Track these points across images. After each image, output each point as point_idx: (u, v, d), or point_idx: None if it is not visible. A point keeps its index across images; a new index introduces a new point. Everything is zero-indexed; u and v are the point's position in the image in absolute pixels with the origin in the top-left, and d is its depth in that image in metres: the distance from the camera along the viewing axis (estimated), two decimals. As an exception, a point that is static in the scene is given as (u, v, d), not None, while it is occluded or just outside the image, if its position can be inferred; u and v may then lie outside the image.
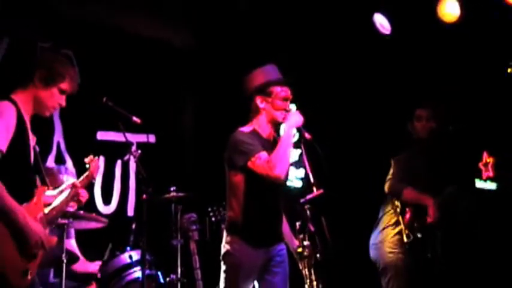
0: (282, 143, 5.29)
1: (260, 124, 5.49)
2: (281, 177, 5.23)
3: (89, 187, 5.39)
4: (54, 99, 4.72)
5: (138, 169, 5.88)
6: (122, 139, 5.74)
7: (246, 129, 5.49)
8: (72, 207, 5.27)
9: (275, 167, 5.18)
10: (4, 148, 4.39)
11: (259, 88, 5.46)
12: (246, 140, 5.34)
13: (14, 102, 4.58)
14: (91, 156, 5.33)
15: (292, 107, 5.58)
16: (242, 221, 5.41)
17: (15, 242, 4.41)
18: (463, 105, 7.43)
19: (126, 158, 5.86)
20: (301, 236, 5.73)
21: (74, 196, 4.95)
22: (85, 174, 5.20)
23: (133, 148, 5.82)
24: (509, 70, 6.85)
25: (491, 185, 6.69)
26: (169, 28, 8.77)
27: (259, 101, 5.45)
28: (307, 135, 5.34)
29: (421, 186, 6.65)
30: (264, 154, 5.25)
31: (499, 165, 6.52)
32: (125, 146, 5.79)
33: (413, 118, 6.87)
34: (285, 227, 5.76)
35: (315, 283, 5.68)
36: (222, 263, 5.47)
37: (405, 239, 6.59)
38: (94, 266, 6.84)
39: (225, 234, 5.52)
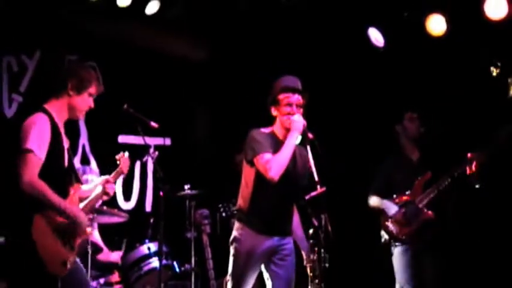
0: (283, 149, 5.34)
1: (277, 128, 5.55)
2: (275, 179, 5.25)
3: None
4: (86, 103, 4.84)
5: (156, 169, 5.93)
6: (141, 142, 5.76)
7: (266, 130, 5.57)
8: (104, 199, 5.35)
9: (271, 170, 5.24)
10: (43, 157, 4.51)
11: (271, 100, 5.55)
12: (258, 138, 5.42)
13: (47, 112, 4.69)
14: (121, 153, 5.42)
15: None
16: (249, 209, 5.47)
17: (57, 236, 4.57)
18: (448, 110, 7.43)
19: (144, 159, 5.89)
20: (311, 241, 5.66)
21: (106, 192, 5.01)
22: (116, 170, 5.23)
23: (151, 150, 5.84)
24: (494, 73, 6.89)
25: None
26: (185, 44, 8.85)
27: (272, 110, 5.55)
28: (310, 135, 5.36)
29: (409, 187, 6.68)
30: (267, 155, 5.31)
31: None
32: (144, 148, 5.82)
33: (404, 120, 6.87)
34: (298, 227, 5.77)
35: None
36: (230, 247, 5.51)
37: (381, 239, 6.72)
38: (115, 256, 6.94)
39: (235, 223, 5.57)
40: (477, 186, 6.43)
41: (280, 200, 5.50)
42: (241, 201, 5.56)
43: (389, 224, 6.66)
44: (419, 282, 6.60)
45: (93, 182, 5.09)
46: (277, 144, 5.44)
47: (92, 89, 4.86)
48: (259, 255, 5.46)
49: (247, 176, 5.51)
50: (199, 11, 8.23)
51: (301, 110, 5.51)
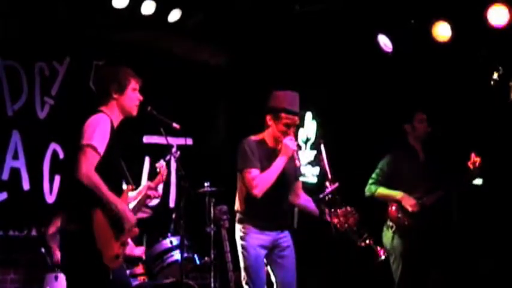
0: (270, 171, 5.37)
1: (268, 136, 5.55)
2: (258, 196, 5.31)
3: (138, 183, 5.41)
4: (133, 98, 4.78)
5: (178, 167, 5.99)
6: (164, 142, 5.79)
7: (256, 137, 5.57)
8: (148, 203, 5.31)
9: (256, 187, 5.31)
10: (101, 154, 4.48)
11: (271, 109, 5.50)
12: (248, 151, 5.43)
13: (107, 114, 4.67)
14: (161, 162, 5.40)
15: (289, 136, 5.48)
16: (246, 211, 5.51)
17: (113, 230, 4.54)
18: (453, 112, 7.45)
19: (167, 158, 5.86)
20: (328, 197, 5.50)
21: (148, 195, 5.01)
22: (157, 178, 5.27)
23: (174, 150, 5.85)
24: (493, 81, 6.89)
25: (478, 181, 6.67)
26: (205, 50, 8.91)
27: (268, 119, 5.51)
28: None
29: (413, 183, 6.61)
30: (255, 171, 5.36)
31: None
32: (167, 148, 5.84)
33: (414, 120, 6.81)
34: (307, 200, 5.73)
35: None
36: (238, 246, 5.54)
37: (390, 231, 6.62)
38: (139, 251, 6.94)
39: (236, 226, 5.60)
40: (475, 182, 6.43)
41: (274, 201, 5.48)
42: (238, 204, 5.60)
43: (400, 215, 6.58)
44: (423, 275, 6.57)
45: (138, 189, 5.05)
46: (266, 152, 5.48)
47: (133, 84, 4.79)
48: (264, 248, 5.48)
49: (240, 182, 5.53)
50: (218, 19, 8.26)
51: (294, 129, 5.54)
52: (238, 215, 5.61)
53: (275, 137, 5.49)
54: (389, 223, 6.65)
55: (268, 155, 5.46)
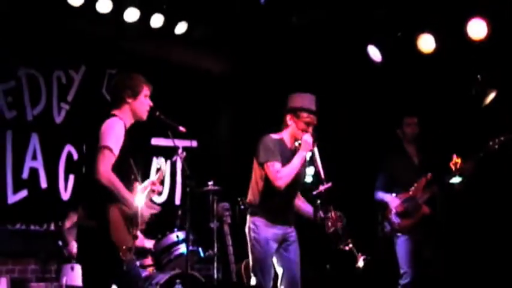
0: (292, 164, 5.49)
1: (287, 136, 5.67)
2: (281, 188, 5.43)
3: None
4: (144, 104, 4.93)
5: (183, 168, 6.16)
6: (171, 144, 5.80)
7: (276, 136, 5.66)
8: (151, 196, 5.49)
9: (280, 179, 5.44)
10: (117, 153, 4.62)
11: (292, 109, 5.65)
12: (270, 146, 5.55)
13: (121, 118, 4.79)
14: (159, 159, 5.54)
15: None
16: (260, 203, 5.60)
17: (126, 225, 4.67)
18: (437, 116, 7.52)
19: (174, 159, 5.89)
20: (318, 202, 5.62)
21: (153, 190, 5.06)
22: (159, 173, 5.30)
23: (180, 151, 5.70)
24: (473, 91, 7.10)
25: (459, 180, 6.83)
26: (209, 59, 9.09)
27: (288, 118, 5.65)
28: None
29: (406, 183, 6.79)
30: (278, 164, 5.46)
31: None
32: (173, 150, 5.74)
33: (403, 125, 6.98)
34: (302, 202, 5.85)
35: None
36: (248, 239, 5.61)
37: (385, 229, 6.85)
38: (149, 243, 7.06)
39: (247, 218, 5.68)
40: (454, 181, 6.60)
41: (287, 195, 5.64)
42: (252, 197, 5.69)
43: (392, 216, 6.77)
44: (420, 267, 6.74)
45: (143, 184, 5.10)
46: (284, 151, 5.61)
47: (145, 91, 4.93)
48: (275, 241, 5.59)
49: (258, 175, 5.63)
50: (222, 31, 8.42)
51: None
52: (251, 208, 5.65)
53: (294, 136, 5.62)
54: (385, 224, 6.86)
55: (286, 155, 5.57)
